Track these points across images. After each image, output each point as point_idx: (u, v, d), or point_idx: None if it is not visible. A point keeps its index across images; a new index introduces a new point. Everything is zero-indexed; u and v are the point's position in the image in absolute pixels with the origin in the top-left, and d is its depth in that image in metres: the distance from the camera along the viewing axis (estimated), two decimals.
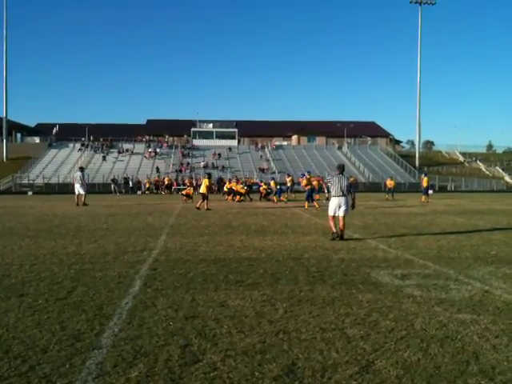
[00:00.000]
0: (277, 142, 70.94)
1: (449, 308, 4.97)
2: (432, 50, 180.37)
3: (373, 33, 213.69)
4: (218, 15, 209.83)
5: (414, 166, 62.53)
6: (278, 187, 27.24)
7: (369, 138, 75.44)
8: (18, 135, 73.95)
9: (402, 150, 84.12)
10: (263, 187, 28.88)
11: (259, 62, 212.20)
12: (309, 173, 26.45)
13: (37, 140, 67.80)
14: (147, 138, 68.13)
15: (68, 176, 49.62)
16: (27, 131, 78.42)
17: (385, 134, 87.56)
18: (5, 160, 57.90)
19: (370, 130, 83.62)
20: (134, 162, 58.32)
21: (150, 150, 61.90)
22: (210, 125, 69.29)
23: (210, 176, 21.67)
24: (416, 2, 64.84)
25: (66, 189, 42.97)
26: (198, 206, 20.09)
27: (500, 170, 67.01)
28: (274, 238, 10.53)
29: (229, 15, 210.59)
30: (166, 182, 46.06)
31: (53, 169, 54.40)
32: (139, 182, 48.25)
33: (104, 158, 58.38)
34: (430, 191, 31.40)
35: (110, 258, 8.02)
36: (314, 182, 23.25)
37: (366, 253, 8.59)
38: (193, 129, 68.27)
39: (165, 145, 65.26)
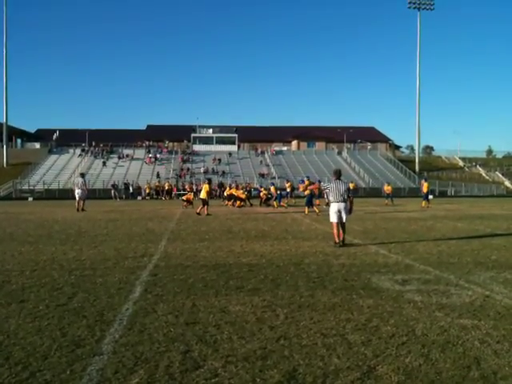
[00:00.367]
0: (276, 147, 71.01)
1: (450, 313, 4.96)
2: (431, 55, 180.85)
3: (372, 38, 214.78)
4: (218, 22, 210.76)
5: (414, 171, 62.58)
6: (278, 192, 27.23)
7: (368, 143, 75.55)
8: (19, 141, 74.03)
9: (402, 155, 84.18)
10: (263, 192, 28.88)
11: (259, 68, 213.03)
12: (308, 178, 26.48)
13: (37, 146, 67.86)
14: (147, 143, 68.24)
15: (68, 182, 49.66)
16: (27, 137, 78.51)
17: (384, 139, 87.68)
18: (5, 166, 57.96)
19: (370, 135, 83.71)
20: (134, 168, 58.36)
21: (150, 155, 61.97)
22: (210, 130, 69.39)
23: (210, 181, 21.69)
24: (415, 8, 65.25)
25: (67, 194, 42.96)
26: (198, 211, 20.08)
27: (500, 175, 67.05)
28: (274, 244, 10.52)
29: (228, 21, 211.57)
30: (167, 188, 46.10)
31: (53, 174, 54.42)
32: (139, 188, 48.28)
33: (104, 164, 58.43)
34: (430, 196, 31.40)
35: (111, 263, 8.01)
36: (310, 187, 23.21)
37: (366, 258, 8.58)
38: (193, 134, 68.36)
39: (165, 150, 65.34)
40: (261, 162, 62.29)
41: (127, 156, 61.91)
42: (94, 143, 64.76)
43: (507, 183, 63.88)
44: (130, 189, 47.14)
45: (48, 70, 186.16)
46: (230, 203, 27.94)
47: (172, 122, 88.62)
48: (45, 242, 10.83)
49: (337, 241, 10.09)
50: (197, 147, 66.57)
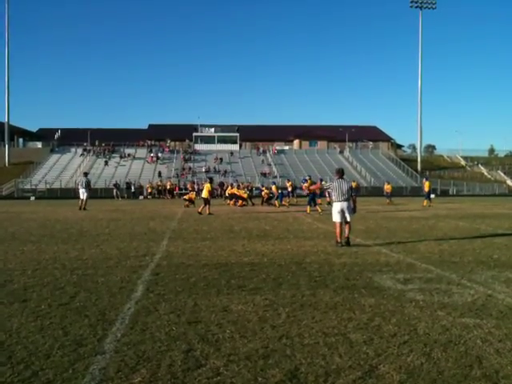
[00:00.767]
0: (278, 146, 70.99)
1: (452, 312, 4.96)
2: (433, 54, 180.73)
3: (374, 37, 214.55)
4: (219, 21, 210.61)
5: (416, 170, 62.51)
6: (280, 192, 27.22)
7: (370, 143, 75.41)
8: (21, 140, 74.06)
9: (404, 155, 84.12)
10: (265, 192, 28.87)
11: (261, 67, 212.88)
12: (309, 177, 26.48)
13: (39, 145, 67.90)
14: (149, 142, 68.25)
15: (70, 181, 49.74)
16: (29, 136, 78.58)
17: (386, 139, 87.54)
18: (7, 165, 58.05)
19: (372, 135, 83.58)
20: (136, 167, 58.41)
21: (151, 154, 62.02)
22: (212, 129, 69.37)
23: (211, 180, 21.69)
24: (417, 7, 65.12)
25: (69, 194, 43.12)
26: (199, 210, 20.09)
27: (502, 174, 66.94)
28: (275, 243, 10.52)
29: (230, 20, 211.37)
30: (168, 187, 46.14)
31: (55, 174, 54.52)
32: (141, 187, 48.31)
33: (106, 163, 58.49)
34: (432, 195, 31.36)
35: (113, 263, 8.02)
36: (313, 187, 23.20)
37: (368, 257, 8.58)
38: (194, 133, 68.38)
39: (167, 149, 65.38)
40: (262, 161, 62.28)
41: (129, 155, 61.96)
42: (96, 142, 64.83)
43: (509, 182, 63.77)
44: (132, 188, 47.19)
45: (50, 69, 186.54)
46: (232, 202, 27.95)
47: (174, 121, 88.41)
48: (47, 242, 10.86)
49: (339, 240, 9.99)
50: (198, 146, 66.60)
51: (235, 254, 8.93)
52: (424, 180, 30.66)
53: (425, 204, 27.10)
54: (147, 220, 17.23)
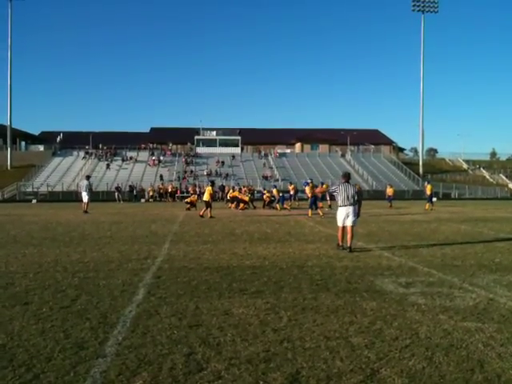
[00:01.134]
0: (280, 149, 71.01)
1: (453, 316, 4.95)
2: (435, 58, 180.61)
3: (375, 40, 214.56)
4: (221, 24, 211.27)
5: (418, 174, 62.45)
6: (281, 195, 27.22)
7: (372, 146, 75.40)
8: (23, 143, 74.24)
9: (406, 158, 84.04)
10: (266, 195, 28.86)
11: (262, 71, 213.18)
12: (311, 181, 26.47)
13: (41, 148, 67.98)
14: (151, 145, 68.30)
15: (72, 184, 49.83)
16: (31, 139, 78.75)
17: (388, 142, 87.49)
18: (9, 168, 58.14)
19: (374, 138, 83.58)
20: (138, 170, 58.44)
21: (153, 157, 62.07)
22: (214, 132, 69.41)
23: (213, 183, 21.70)
24: (419, 11, 65.17)
25: (70, 197, 43.18)
26: (201, 213, 20.10)
27: (504, 178, 66.83)
28: (277, 246, 10.52)
29: (231, 24, 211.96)
30: (170, 190, 46.18)
31: (57, 177, 54.58)
32: (143, 190, 48.36)
33: (108, 166, 58.56)
34: (434, 199, 31.32)
35: (114, 266, 8.03)
36: (317, 190, 23.20)
37: (369, 261, 8.57)
38: (196, 137, 68.43)
39: (168, 153, 65.43)
40: (264, 164, 62.28)
41: (131, 158, 62.02)
42: (97, 146, 64.93)
43: (511, 186, 63.64)
44: (134, 191, 47.24)
45: (52, 72, 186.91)
46: (233, 206, 27.95)
47: (175, 125, 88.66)
48: (48, 245, 10.87)
49: (340, 243, 9.94)
50: (200, 149, 66.62)
51: (237, 258, 8.93)
52: (426, 183, 30.57)
53: (427, 207, 27.06)
54: (149, 223, 17.25)
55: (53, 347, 4.02)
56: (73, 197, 41.67)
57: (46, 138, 76.72)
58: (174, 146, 69.99)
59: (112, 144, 64.56)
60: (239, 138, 68.63)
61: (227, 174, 56.81)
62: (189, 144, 68.71)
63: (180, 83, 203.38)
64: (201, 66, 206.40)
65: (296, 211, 24.51)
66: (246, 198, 27.70)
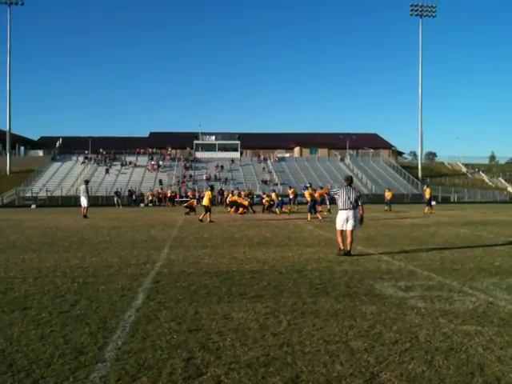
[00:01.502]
0: (279, 153, 71.12)
1: (453, 319, 4.95)
2: (433, 62, 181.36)
3: (374, 45, 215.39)
4: (220, 29, 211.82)
5: (417, 178, 62.56)
6: (280, 199, 27.22)
7: (371, 150, 75.52)
8: (22, 148, 74.29)
9: (405, 162, 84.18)
10: (266, 199, 28.86)
11: (261, 75, 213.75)
12: (310, 185, 26.51)
13: (40, 153, 68.06)
14: (150, 150, 68.40)
15: (71, 189, 49.84)
16: (31, 144, 78.83)
17: (387, 146, 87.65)
18: (8, 173, 58.18)
19: (373, 142, 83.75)
20: (137, 175, 58.50)
21: (152, 162, 62.14)
22: (213, 137, 69.52)
23: (212, 188, 21.71)
24: (417, 15, 65.51)
25: (70, 202, 43.17)
26: (200, 218, 20.10)
27: (503, 181, 66.93)
28: (276, 250, 10.51)
29: (230, 28, 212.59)
30: (169, 195, 46.20)
31: (56, 182, 54.60)
32: (142, 195, 48.37)
33: (107, 171, 58.60)
34: (433, 202, 31.34)
35: (113, 270, 8.02)
36: (316, 195, 23.21)
37: (369, 264, 8.57)
38: (195, 141, 68.53)
39: (167, 157, 65.50)
40: (263, 168, 62.36)
41: (130, 163, 62.08)
42: (96, 150, 64.95)
43: (510, 189, 63.72)
44: (133, 196, 47.24)
45: (51, 77, 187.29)
46: (233, 210, 27.94)
47: (175, 129, 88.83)
48: (48, 250, 10.86)
49: (341, 247, 9.81)
50: (199, 154, 66.71)
51: (236, 262, 8.92)
52: (425, 187, 30.63)
53: (426, 211, 27.07)
54: (148, 228, 17.24)
55: (52, 352, 4.01)
56: (72, 202, 41.63)
57: (45, 143, 76.79)
58: (173, 151, 70.07)
59: (111, 149, 64.68)
60: (238, 142, 68.75)
61: (226, 179, 56.87)
62: (188, 149, 68.83)
63: (179, 88, 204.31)
64: (200, 71, 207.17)
65: (295, 215, 24.51)
66: (246, 203, 27.70)
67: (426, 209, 27.42)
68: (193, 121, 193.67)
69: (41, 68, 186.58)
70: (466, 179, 67.45)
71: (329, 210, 26.37)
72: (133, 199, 46.57)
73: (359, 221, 9.90)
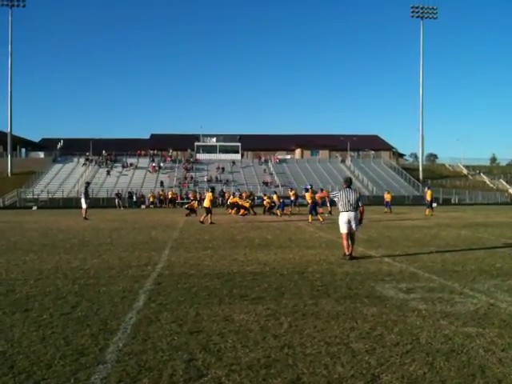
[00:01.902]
0: (280, 155, 71.14)
1: (454, 321, 4.95)
2: (434, 63, 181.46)
3: (375, 46, 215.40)
4: (220, 30, 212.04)
5: (418, 179, 62.51)
6: (281, 201, 27.23)
7: (372, 152, 75.52)
8: (23, 150, 74.41)
9: (406, 163, 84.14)
10: (267, 201, 28.87)
11: (262, 77, 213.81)
12: (311, 186, 26.49)
13: (41, 155, 68.10)
14: (151, 152, 68.43)
15: (72, 190, 49.89)
16: (32, 146, 78.92)
17: (388, 148, 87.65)
18: (9, 175, 58.22)
19: (373, 144, 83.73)
20: (138, 177, 58.52)
21: (153, 164, 62.17)
22: (214, 139, 69.54)
23: (213, 190, 21.71)
24: (418, 17, 65.51)
25: (71, 203, 43.19)
26: (201, 219, 20.11)
27: (504, 183, 66.84)
28: (277, 252, 10.51)
29: (231, 30, 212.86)
30: (170, 196, 46.22)
31: (57, 183, 54.62)
32: (143, 196, 48.39)
33: (108, 173, 58.62)
34: (434, 204, 31.32)
35: (114, 272, 8.02)
36: (316, 197, 23.20)
37: (370, 266, 8.56)
38: (196, 143, 68.56)
39: (168, 159, 65.55)
40: (264, 170, 62.36)
41: (131, 165, 62.10)
42: (97, 152, 65.03)
43: (511, 191, 63.64)
44: (134, 197, 47.28)
45: (52, 79, 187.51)
46: (234, 212, 27.95)
47: (176, 131, 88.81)
48: (49, 251, 10.87)
49: (347, 253, 9.56)
50: (200, 156, 66.73)
51: (237, 264, 8.93)
52: (426, 189, 30.61)
53: (427, 213, 27.05)
54: (149, 229, 17.25)
55: (53, 354, 4.01)
56: (73, 203, 41.66)
57: (47, 144, 76.95)
58: (174, 153, 70.15)
59: (112, 150, 64.72)
60: (239, 144, 68.76)
61: (227, 180, 56.89)
62: (189, 150, 68.82)
63: (180, 89, 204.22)
64: (201, 73, 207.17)
65: (296, 217, 24.51)
66: (247, 204, 27.71)
67: (427, 211, 27.40)
68: (194, 122, 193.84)
69: (42, 70, 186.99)
70: (467, 181, 67.38)
71: (330, 212, 26.36)
72: (134, 201, 46.59)
73: (358, 221, 9.83)
